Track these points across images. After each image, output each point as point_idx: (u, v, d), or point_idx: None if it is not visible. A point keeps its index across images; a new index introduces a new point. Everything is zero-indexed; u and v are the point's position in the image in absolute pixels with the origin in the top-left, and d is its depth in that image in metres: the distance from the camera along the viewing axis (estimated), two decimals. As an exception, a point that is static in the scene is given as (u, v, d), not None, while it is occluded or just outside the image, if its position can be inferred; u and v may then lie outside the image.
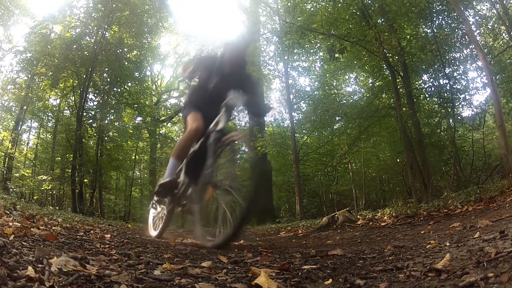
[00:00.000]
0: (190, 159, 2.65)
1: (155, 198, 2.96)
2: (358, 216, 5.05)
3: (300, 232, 4.76)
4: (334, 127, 11.61)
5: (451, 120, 8.06)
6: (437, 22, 8.03)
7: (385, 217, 4.40)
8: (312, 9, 9.46)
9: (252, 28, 11.14)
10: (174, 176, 2.57)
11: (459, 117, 8.05)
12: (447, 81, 8.02)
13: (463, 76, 8.17)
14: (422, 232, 2.44)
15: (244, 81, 2.67)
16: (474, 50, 7.14)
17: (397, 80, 7.95)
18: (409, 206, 4.95)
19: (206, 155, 2.40)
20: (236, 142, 2.35)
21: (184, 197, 2.73)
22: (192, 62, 2.85)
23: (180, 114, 16.46)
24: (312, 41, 9.87)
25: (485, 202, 3.59)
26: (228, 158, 2.46)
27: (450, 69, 8.12)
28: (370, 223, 4.15)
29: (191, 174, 2.62)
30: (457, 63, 8.21)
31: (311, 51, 11.02)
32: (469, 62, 8.12)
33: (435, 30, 7.84)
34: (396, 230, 3.07)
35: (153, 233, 3.19)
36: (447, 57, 8.00)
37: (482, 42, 8.35)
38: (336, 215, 4.61)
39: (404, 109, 7.96)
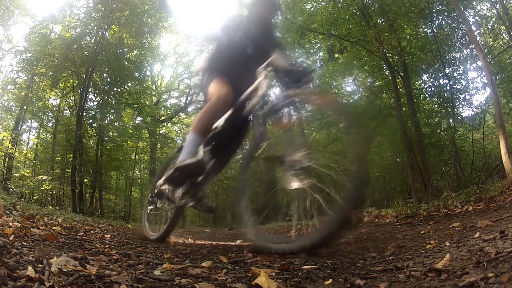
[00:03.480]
0: (216, 134, 2.12)
1: (160, 188, 2.36)
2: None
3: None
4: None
5: (451, 120, 8.05)
6: (437, 22, 8.03)
7: (388, 219, 4.42)
8: (312, 9, 9.46)
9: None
10: (200, 157, 1.95)
11: (459, 117, 8.05)
12: (447, 81, 8.03)
13: (463, 76, 8.19)
14: (422, 232, 2.43)
15: (276, 44, 2.23)
16: (474, 50, 7.14)
17: (397, 80, 7.95)
18: (409, 206, 4.94)
19: (237, 129, 2.02)
20: (301, 101, 1.80)
21: (202, 187, 2.21)
22: (219, 22, 2.34)
23: (181, 114, 16.45)
24: (312, 41, 9.87)
25: (485, 202, 3.59)
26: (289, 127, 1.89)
27: (450, 69, 8.13)
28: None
29: (217, 154, 2.13)
30: (457, 63, 8.21)
31: (311, 51, 11.01)
32: (469, 62, 8.13)
33: (435, 30, 7.84)
34: (396, 230, 3.07)
35: (150, 233, 2.65)
36: (447, 57, 8.01)
37: (482, 42, 8.35)
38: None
39: (404, 109, 7.97)
